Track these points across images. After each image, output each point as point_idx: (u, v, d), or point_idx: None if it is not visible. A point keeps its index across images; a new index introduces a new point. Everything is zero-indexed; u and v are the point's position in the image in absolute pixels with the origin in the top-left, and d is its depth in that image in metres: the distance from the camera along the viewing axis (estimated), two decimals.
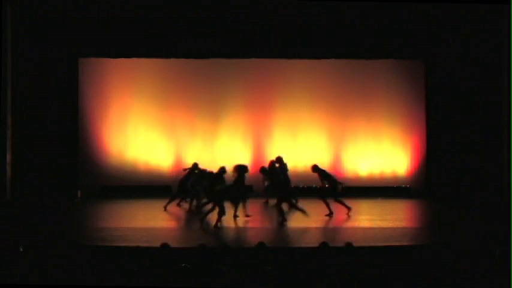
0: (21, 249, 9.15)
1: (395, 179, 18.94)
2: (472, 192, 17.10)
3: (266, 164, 16.18)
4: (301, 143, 19.17)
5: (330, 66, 19.13)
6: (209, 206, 13.82)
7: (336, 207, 14.72)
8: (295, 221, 14.24)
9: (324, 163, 18.87)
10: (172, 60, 18.81)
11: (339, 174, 18.65)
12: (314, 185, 18.19)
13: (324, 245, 9.05)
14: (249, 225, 14.09)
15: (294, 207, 14.17)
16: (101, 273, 7.52)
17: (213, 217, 13.41)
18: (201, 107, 19.17)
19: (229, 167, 13.90)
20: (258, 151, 19.25)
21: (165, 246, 8.96)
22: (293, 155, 19.09)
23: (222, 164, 14.32)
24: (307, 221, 14.38)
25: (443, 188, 18.05)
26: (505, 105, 17.50)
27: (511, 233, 10.36)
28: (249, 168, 14.35)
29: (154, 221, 14.27)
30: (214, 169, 14.34)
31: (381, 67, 19.19)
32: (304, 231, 13.25)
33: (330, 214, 14.57)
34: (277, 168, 15.76)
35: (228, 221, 13.64)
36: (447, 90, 18.36)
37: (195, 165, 15.95)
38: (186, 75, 19.22)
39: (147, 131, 19.07)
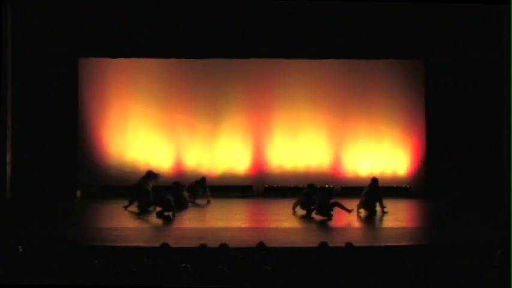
0: (21, 249, 9.15)
1: (395, 179, 18.92)
2: (472, 192, 17.10)
3: (264, 165, 16.28)
4: (301, 143, 19.15)
5: (330, 66, 19.11)
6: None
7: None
8: (296, 221, 14.25)
9: (324, 163, 18.96)
10: (172, 60, 18.79)
11: (339, 174, 18.73)
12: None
13: (324, 245, 9.04)
14: (249, 225, 14.11)
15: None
16: (101, 273, 7.51)
17: None
18: (201, 107, 19.15)
19: None
20: (258, 151, 19.24)
21: (165, 246, 8.95)
22: (293, 155, 19.11)
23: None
24: (307, 221, 14.41)
25: (443, 188, 18.05)
26: (505, 105, 17.52)
27: (511, 233, 10.37)
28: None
29: (155, 221, 14.27)
30: None
31: (381, 67, 19.17)
32: (304, 231, 13.26)
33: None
34: None
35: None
36: (447, 90, 18.35)
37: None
38: (186, 75, 19.20)
39: (147, 132, 19.05)
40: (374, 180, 15.64)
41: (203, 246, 8.87)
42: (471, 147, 17.80)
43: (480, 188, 17.18)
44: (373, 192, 15.26)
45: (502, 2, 15.51)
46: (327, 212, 14.40)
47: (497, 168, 17.57)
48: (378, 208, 15.09)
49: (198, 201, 17.11)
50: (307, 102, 19.12)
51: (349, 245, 9.27)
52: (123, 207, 15.57)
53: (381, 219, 14.61)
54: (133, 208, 15.26)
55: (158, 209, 14.66)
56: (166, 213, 14.54)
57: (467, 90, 18.05)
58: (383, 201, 15.13)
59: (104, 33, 17.81)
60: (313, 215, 14.72)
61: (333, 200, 14.58)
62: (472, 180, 17.47)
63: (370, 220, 14.62)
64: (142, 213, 14.85)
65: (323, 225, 14.00)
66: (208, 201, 17.16)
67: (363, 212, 15.17)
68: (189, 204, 16.45)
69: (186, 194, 16.39)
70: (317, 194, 15.02)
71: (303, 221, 14.36)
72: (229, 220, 14.64)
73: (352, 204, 14.89)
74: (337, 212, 14.51)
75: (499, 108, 17.77)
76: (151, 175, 16.11)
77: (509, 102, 17.10)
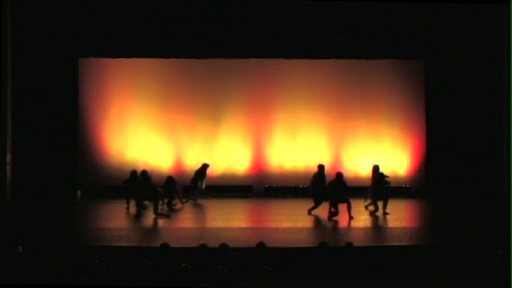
0: (21, 249, 9.15)
1: (396, 179, 18.83)
2: (472, 192, 17.10)
3: (264, 165, 16.40)
4: (301, 143, 19.16)
5: (330, 66, 19.12)
6: None
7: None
8: (296, 221, 14.25)
9: (324, 163, 18.89)
10: (172, 60, 18.80)
11: None
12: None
13: (324, 245, 9.04)
14: (249, 225, 14.11)
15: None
16: (101, 273, 7.52)
17: None
18: (201, 107, 19.16)
19: None
20: (258, 151, 19.24)
21: (165, 246, 8.95)
22: (293, 155, 19.11)
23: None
24: (307, 221, 14.41)
25: (443, 188, 18.05)
26: (505, 105, 17.51)
27: (511, 233, 10.36)
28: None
29: (155, 221, 14.27)
30: None
31: (381, 67, 19.17)
32: (304, 231, 13.26)
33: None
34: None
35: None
36: (447, 90, 18.36)
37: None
38: (186, 75, 19.21)
39: (147, 132, 19.06)
40: (374, 168, 15.65)
41: (203, 246, 8.87)
42: (471, 147, 17.79)
43: (480, 188, 17.17)
44: (379, 188, 15.23)
45: (502, 2, 15.51)
46: (336, 204, 14.37)
47: (497, 168, 17.56)
48: (381, 206, 15.08)
49: (199, 200, 17.15)
50: (307, 102, 19.13)
51: (349, 245, 9.27)
52: (126, 208, 15.59)
53: (381, 220, 14.60)
54: (133, 209, 15.24)
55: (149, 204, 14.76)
56: (160, 206, 14.61)
57: (467, 90, 18.05)
58: (388, 202, 15.13)
59: (104, 33, 17.81)
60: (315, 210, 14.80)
61: (346, 197, 14.51)
62: (472, 180, 17.46)
63: (370, 220, 14.61)
64: (140, 213, 14.79)
65: (323, 225, 14.00)
66: (202, 191, 17.24)
67: (367, 207, 15.23)
68: (188, 200, 16.50)
69: (180, 189, 16.51)
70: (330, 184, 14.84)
71: (303, 221, 14.34)
72: (229, 220, 14.64)
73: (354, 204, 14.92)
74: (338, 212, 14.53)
75: (499, 108, 17.77)
76: (144, 175, 15.99)
77: (509, 102, 17.09)
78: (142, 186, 15.16)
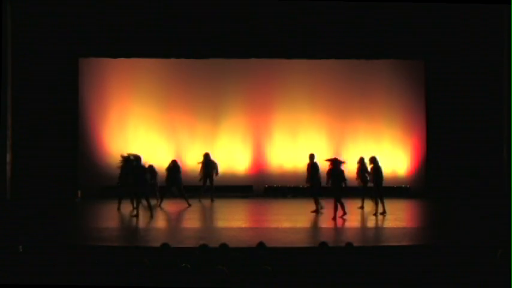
0: (21, 249, 9.15)
1: (395, 179, 18.91)
2: (472, 192, 17.10)
3: (264, 165, 16.39)
4: (301, 143, 19.15)
5: (330, 67, 19.12)
6: None
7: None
8: (295, 221, 14.24)
9: (324, 163, 18.90)
10: (172, 60, 18.80)
11: None
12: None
13: (324, 245, 9.04)
14: (249, 225, 14.10)
15: None
16: (101, 273, 7.51)
17: None
18: (201, 107, 19.16)
19: None
20: (258, 151, 19.23)
21: (165, 246, 8.95)
22: (293, 155, 19.11)
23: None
24: (307, 221, 14.41)
25: (443, 188, 18.05)
26: (504, 105, 17.52)
27: (511, 233, 10.36)
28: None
29: (155, 221, 14.27)
30: None
31: (381, 67, 19.18)
32: (304, 231, 13.26)
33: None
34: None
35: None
36: (447, 90, 18.37)
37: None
38: (186, 75, 19.21)
39: (147, 131, 19.06)
40: (373, 159, 15.64)
41: (203, 246, 8.86)
42: (471, 147, 17.79)
43: (480, 188, 17.17)
44: (377, 175, 15.25)
45: (502, 2, 15.51)
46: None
47: (497, 168, 17.56)
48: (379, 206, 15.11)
49: (203, 200, 17.19)
50: (307, 102, 19.13)
51: (349, 245, 9.26)
52: (117, 209, 15.65)
53: (381, 220, 14.59)
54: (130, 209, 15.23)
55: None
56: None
57: (467, 90, 18.06)
58: (384, 201, 15.16)
59: (104, 33, 17.81)
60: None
61: (340, 193, 14.49)
62: (472, 180, 17.47)
63: (370, 220, 14.62)
64: (149, 211, 14.70)
65: (323, 225, 13.99)
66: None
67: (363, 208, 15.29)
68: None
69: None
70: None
71: (302, 221, 14.34)
72: (229, 220, 14.65)
73: (351, 204, 14.89)
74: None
75: (499, 108, 17.77)
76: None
77: (509, 102, 17.10)
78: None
